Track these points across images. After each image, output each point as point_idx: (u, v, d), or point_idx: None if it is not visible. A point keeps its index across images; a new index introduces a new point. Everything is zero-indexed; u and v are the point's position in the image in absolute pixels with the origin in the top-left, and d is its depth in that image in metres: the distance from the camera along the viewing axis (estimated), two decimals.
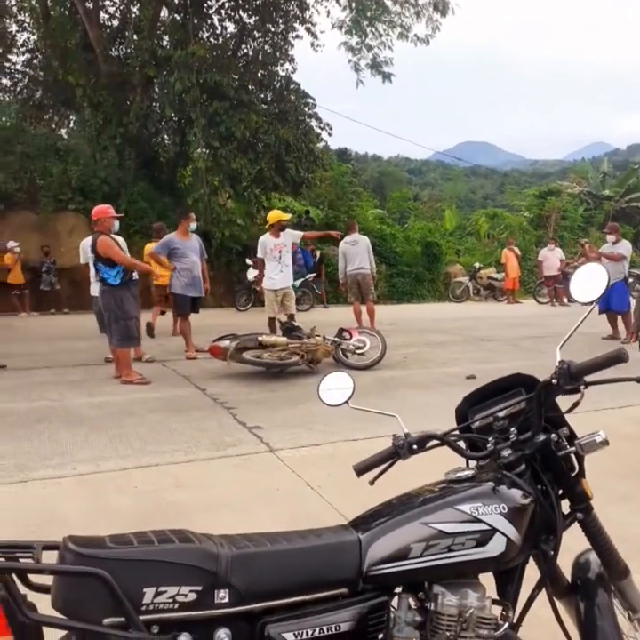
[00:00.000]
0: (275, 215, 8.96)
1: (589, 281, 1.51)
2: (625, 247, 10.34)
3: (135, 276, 7.24)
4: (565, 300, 17.84)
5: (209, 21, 18.36)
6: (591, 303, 1.51)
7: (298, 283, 15.19)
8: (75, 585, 1.19)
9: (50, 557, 1.24)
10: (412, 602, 1.46)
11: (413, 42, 18.65)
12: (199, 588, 1.21)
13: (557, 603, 1.63)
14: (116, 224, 7.30)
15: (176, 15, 17.06)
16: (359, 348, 7.94)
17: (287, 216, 9.10)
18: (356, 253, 10.34)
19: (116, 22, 18.91)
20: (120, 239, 7.51)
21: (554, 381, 1.47)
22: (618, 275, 9.58)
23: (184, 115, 17.07)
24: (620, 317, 9.98)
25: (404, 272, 20.24)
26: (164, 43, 17.24)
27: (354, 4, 17.62)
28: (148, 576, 1.20)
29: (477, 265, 20.46)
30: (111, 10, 18.87)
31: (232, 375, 7.22)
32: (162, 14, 17.52)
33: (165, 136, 19.56)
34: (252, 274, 15.20)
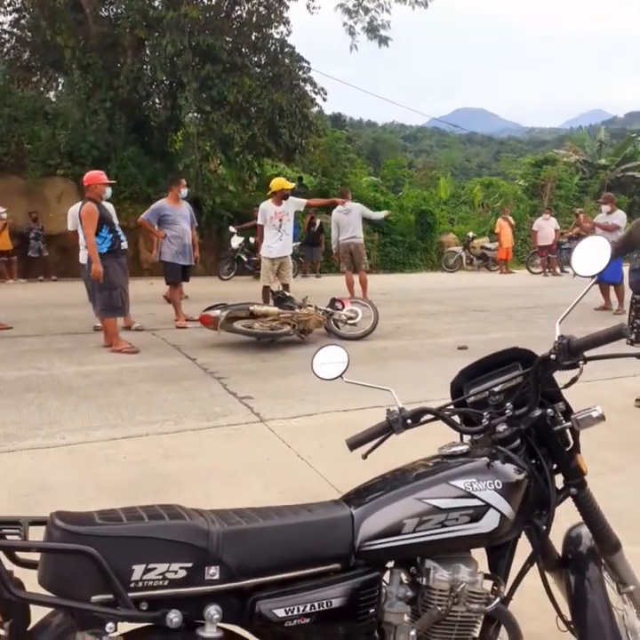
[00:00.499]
0: (278, 183, 8.81)
1: (592, 254, 1.49)
2: (620, 217, 10.23)
3: (124, 245, 7.14)
4: (558, 269, 17.85)
5: None
6: (594, 276, 1.48)
7: None
8: (62, 562, 1.17)
9: (37, 533, 1.22)
10: (403, 577, 1.47)
11: (411, 5, 18.30)
12: (189, 565, 1.20)
13: (548, 576, 1.64)
14: (108, 191, 7.18)
15: None
16: (351, 318, 7.91)
17: (291, 185, 8.94)
18: (349, 222, 10.23)
19: None
20: (109, 205, 7.39)
21: (552, 357, 1.45)
22: None
23: (175, 78, 16.70)
24: (612, 288, 9.98)
25: (397, 241, 20.13)
26: (156, 3, 16.75)
27: None
28: (138, 553, 1.19)
29: (471, 234, 20.38)
30: None
31: (223, 345, 7.18)
32: None
33: (156, 100, 19.12)
34: (236, 242, 15.13)
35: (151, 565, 1.18)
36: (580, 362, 1.45)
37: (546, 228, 17.70)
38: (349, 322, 7.90)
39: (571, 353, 1.43)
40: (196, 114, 16.29)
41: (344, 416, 4.63)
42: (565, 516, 1.67)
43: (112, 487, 3.41)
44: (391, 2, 18.21)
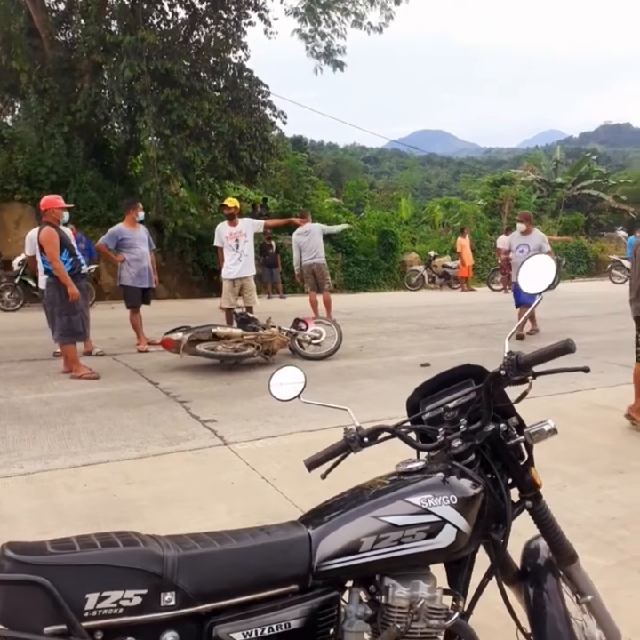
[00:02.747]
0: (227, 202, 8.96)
1: (537, 272, 1.53)
2: (541, 237, 9.46)
3: (84, 268, 7.04)
4: None
5: (159, 7, 17.90)
6: (540, 294, 1.53)
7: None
8: (14, 594, 1.16)
9: None
10: (362, 595, 1.47)
11: (367, 30, 18.69)
12: (144, 592, 1.19)
13: (507, 589, 1.65)
14: (66, 215, 7.10)
15: (124, 0, 16.59)
16: (315, 338, 7.91)
17: (232, 203, 8.86)
18: (310, 243, 10.29)
19: (62, 6, 18.23)
20: (67, 230, 7.30)
21: (502, 372, 1.48)
22: None
23: (134, 102, 16.68)
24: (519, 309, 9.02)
25: (361, 261, 20.32)
26: (113, 28, 16.76)
27: None
28: (91, 581, 1.17)
29: (432, 253, 20.68)
30: None
31: (185, 368, 7.11)
32: None
33: (115, 124, 19.05)
34: (17, 261, 12.70)
35: (105, 593, 1.16)
36: (530, 377, 1.49)
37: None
38: (313, 342, 7.90)
39: (520, 368, 1.46)
40: (155, 137, 16.23)
41: (309, 436, 4.61)
42: (527, 530, 1.69)
43: (72, 516, 3.33)
44: (347, 27, 18.56)
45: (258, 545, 1.36)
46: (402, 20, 18.94)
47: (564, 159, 38.53)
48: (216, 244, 8.87)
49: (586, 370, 1.55)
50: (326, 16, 18.29)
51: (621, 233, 26.35)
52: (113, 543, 1.24)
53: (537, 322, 9.59)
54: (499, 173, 35.08)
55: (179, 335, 6.98)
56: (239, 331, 7.38)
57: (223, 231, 8.68)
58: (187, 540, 1.33)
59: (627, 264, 20.20)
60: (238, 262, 8.58)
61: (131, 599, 1.18)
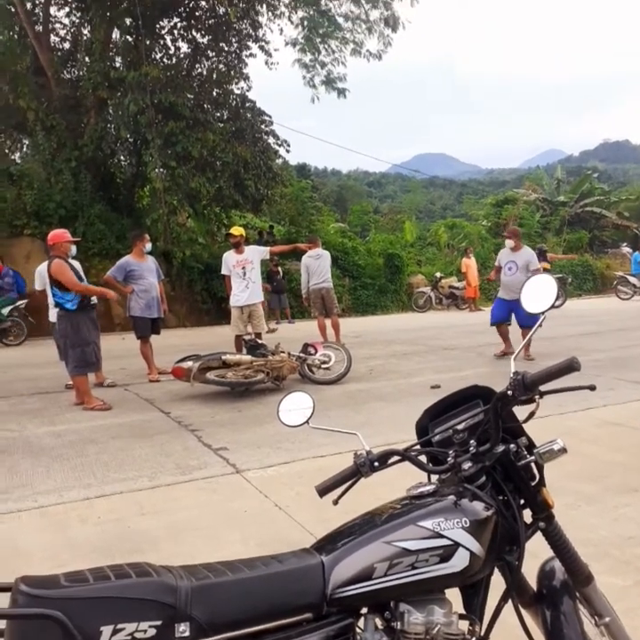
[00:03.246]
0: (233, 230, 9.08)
1: (539, 291, 1.54)
2: (533, 256, 9.13)
3: (94, 300, 7.12)
4: None
5: (162, 42, 18.33)
6: (543, 313, 1.54)
7: (6, 311, 12.89)
8: (28, 628, 1.15)
9: (3, 600, 1.19)
10: (378, 622, 1.44)
11: (366, 57, 18.95)
12: (158, 623, 1.18)
13: (524, 612, 1.63)
14: (73, 248, 7.19)
15: (128, 37, 16.93)
16: (324, 362, 7.92)
17: (237, 231, 9.03)
18: (319, 267, 10.37)
19: (67, 45, 18.68)
20: (76, 263, 7.38)
21: (509, 392, 1.48)
22: None
23: (139, 135, 16.96)
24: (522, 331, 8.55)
25: (368, 284, 20.39)
26: (117, 64, 17.10)
27: (306, 22, 17.83)
28: (105, 614, 1.16)
29: (439, 274, 20.71)
30: (62, 33, 18.65)
31: (196, 396, 7.13)
32: (113, 36, 17.37)
33: (121, 157, 19.38)
34: None
35: (119, 626, 1.16)
36: (536, 396, 1.49)
37: None
38: (323, 366, 7.91)
39: (526, 388, 1.46)
40: (161, 169, 16.48)
41: (321, 462, 4.60)
42: (543, 551, 1.68)
43: (86, 548, 3.33)
44: (346, 55, 18.83)
45: (271, 574, 1.35)
46: (401, 47, 19.19)
47: (566, 178, 38.63)
48: (223, 272, 8.96)
49: (592, 388, 1.55)
50: (326, 45, 18.57)
51: (626, 249, 26.30)
52: (126, 575, 1.24)
53: (530, 347, 8.61)
54: (501, 194, 35.22)
55: (189, 363, 7.01)
56: (249, 357, 7.40)
57: (230, 259, 8.77)
58: (200, 569, 1.32)
59: (633, 280, 20.18)
60: (246, 289, 8.66)
61: (145, 631, 1.17)
